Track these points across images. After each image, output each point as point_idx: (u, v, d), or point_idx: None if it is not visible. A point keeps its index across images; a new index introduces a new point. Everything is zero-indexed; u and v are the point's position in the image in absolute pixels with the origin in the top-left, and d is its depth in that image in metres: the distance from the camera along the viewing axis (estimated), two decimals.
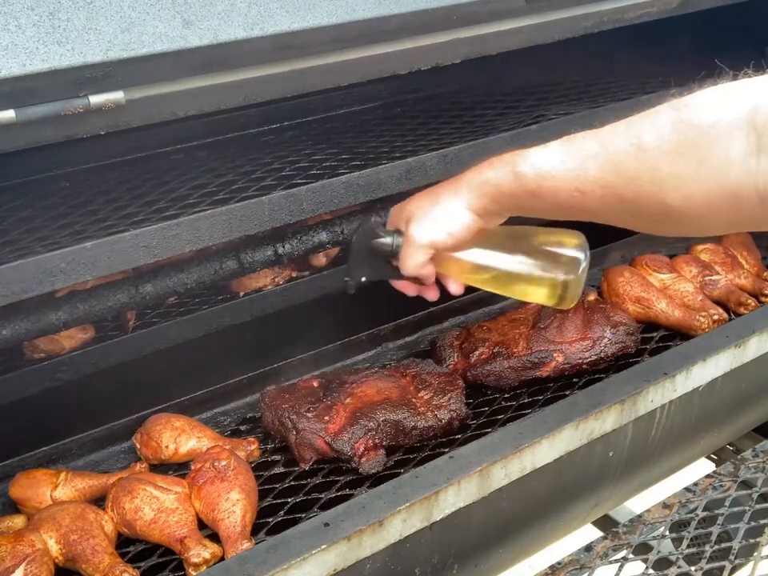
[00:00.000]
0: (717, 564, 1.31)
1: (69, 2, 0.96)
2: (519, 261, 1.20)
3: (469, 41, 1.32)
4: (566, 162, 1.03)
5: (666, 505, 1.42)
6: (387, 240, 1.23)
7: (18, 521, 1.28)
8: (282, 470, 1.40)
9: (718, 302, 1.71)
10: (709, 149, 0.89)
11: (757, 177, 0.87)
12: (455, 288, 1.27)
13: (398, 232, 1.22)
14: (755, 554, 1.34)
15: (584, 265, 1.18)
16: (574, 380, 1.55)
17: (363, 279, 1.27)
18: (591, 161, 1.00)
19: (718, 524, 1.38)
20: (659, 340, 1.65)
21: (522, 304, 1.69)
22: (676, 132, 0.93)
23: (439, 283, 1.29)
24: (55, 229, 1.25)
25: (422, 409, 1.41)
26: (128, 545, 1.26)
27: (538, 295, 1.22)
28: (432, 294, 1.30)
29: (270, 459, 1.42)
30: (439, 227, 1.16)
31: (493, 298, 1.80)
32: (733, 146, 0.88)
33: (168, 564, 1.23)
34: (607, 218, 1.06)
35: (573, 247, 1.19)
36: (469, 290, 1.78)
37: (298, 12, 1.10)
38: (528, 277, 1.20)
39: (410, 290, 1.29)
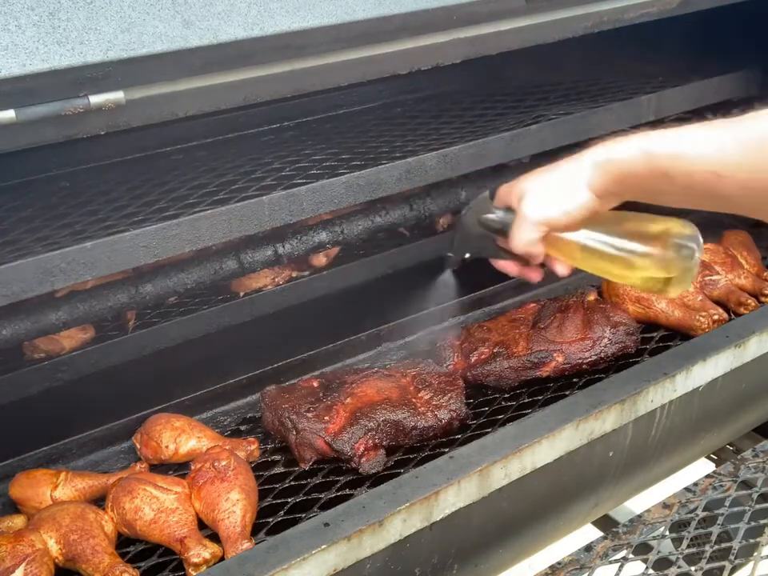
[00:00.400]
0: (717, 564, 1.31)
1: (69, 2, 0.96)
2: (634, 246, 1.17)
3: (469, 41, 1.33)
4: (704, 143, 0.99)
5: (665, 505, 1.42)
6: (498, 216, 1.21)
7: (18, 521, 1.28)
8: (281, 469, 1.40)
9: (718, 302, 1.71)
10: None
11: None
12: (562, 270, 1.24)
13: (508, 209, 1.20)
14: (755, 554, 1.34)
15: (698, 255, 1.16)
16: (574, 380, 1.55)
17: (467, 256, 1.27)
18: (733, 143, 0.97)
19: (718, 524, 1.38)
20: (659, 340, 1.65)
21: (521, 304, 1.70)
22: None
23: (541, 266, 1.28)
24: (55, 229, 1.25)
25: (422, 409, 1.41)
26: (128, 545, 1.26)
27: (649, 282, 1.19)
28: (536, 275, 1.27)
29: (269, 459, 1.42)
30: (556, 205, 1.13)
31: (492, 298, 1.80)
32: None
33: (168, 564, 1.23)
34: (743, 206, 1.03)
35: (687, 236, 1.16)
36: (468, 290, 1.80)
37: (298, 12, 1.11)
38: (642, 263, 1.17)
39: (513, 269, 1.27)
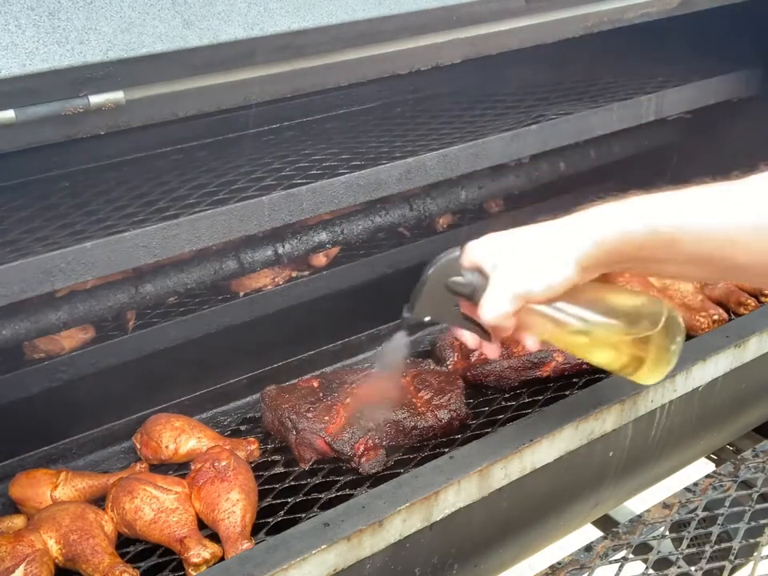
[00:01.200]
0: (717, 564, 1.31)
1: (69, 2, 0.96)
2: (615, 323, 1.07)
3: (469, 41, 1.33)
4: (715, 205, 0.91)
5: (665, 505, 1.42)
6: (468, 280, 1.08)
7: (18, 521, 1.28)
8: (281, 470, 1.40)
9: (718, 302, 1.71)
10: None
11: None
12: (532, 344, 1.12)
13: (479, 272, 1.08)
14: (755, 554, 1.34)
15: (680, 339, 1.07)
16: (574, 380, 1.55)
17: (427, 319, 1.13)
18: (750, 207, 0.88)
19: (718, 524, 1.38)
20: None
21: None
22: None
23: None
24: (55, 229, 1.25)
25: (422, 409, 1.41)
26: (128, 545, 1.26)
27: (628, 363, 1.09)
28: (496, 351, 1.16)
29: (269, 459, 1.42)
30: (538, 277, 1.01)
31: None
32: None
33: (168, 564, 1.23)
34: (757, 276, 0.94)
35: (671, 316, 1.06)
36: None
37: (298, 12, 1.10)
38: (621, 343, 1.07)
39: (472, 340, 1.14)
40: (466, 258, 1.09)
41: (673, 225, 0.92)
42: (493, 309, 1.04)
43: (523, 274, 1.03)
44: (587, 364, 1.54)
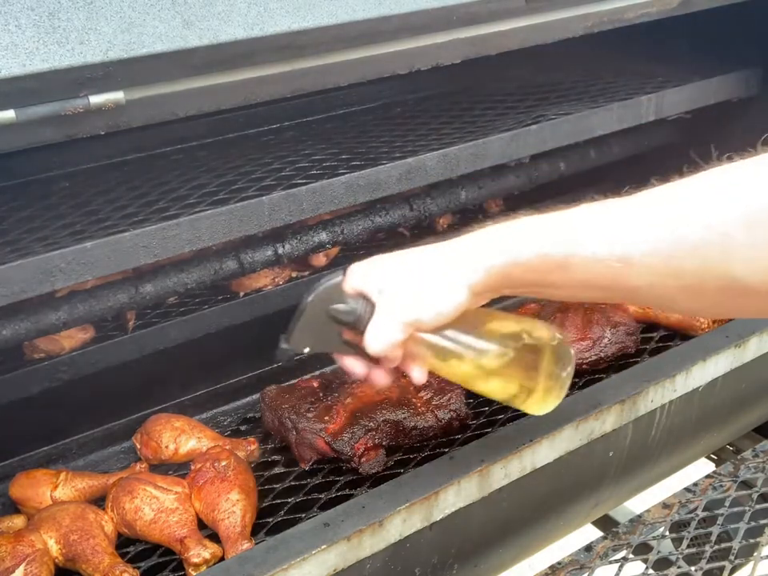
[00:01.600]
0: (717, 564, 1.31)
1: (69, 2, 0.96)
2: (500, 351, 1.02)
3: (469, 41, 1.32)
4: (607, 226, 0.86)
5: (665, 505, 1.42)
6: (351, 307, 1.01)
7: (18, 521, 1.28)
8: (282, 470, 1.40)
9: None
10: None
11: None
12: (418, 375, 1.05)
13: (364, 299, 1.01)
14: (755, 554, 1.34)
15: (570, 368, 1.03)
16: (574, 380, 1.54)
17: (307, 350, 1.05)
18: (643, 226, 0.83)
19: (718, 524, 1.38)
20: (659, 340, 1.65)
21: (522, 304, 1.69)
22: (749, 195, 0.78)
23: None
24: (55, 229, 1.25)
25: (422, 409, 1.40)
26: (128, 545, 1.26)
27: (517, 392, 1.04)
28: (386, 379, 1.07)
29: (269, 459, 1.42)
30: (428, 304, 0.95)
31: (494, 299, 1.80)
32: None
33: (168, 564, 1.23)
34: (653, 297, 0.89)
35: (562, 344, 1.03)
36: None
37: (298, 12, 1.10)
38: (510, 371, 1.02)
39: (360, 370, 1.06)
40: (349, 283, 1.02)
41: (564, 249, 0.88)
42: (379, 338, 0.98)
43: (411, 301, 0.96)
44: (587, 364, 1.54)
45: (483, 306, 1.02)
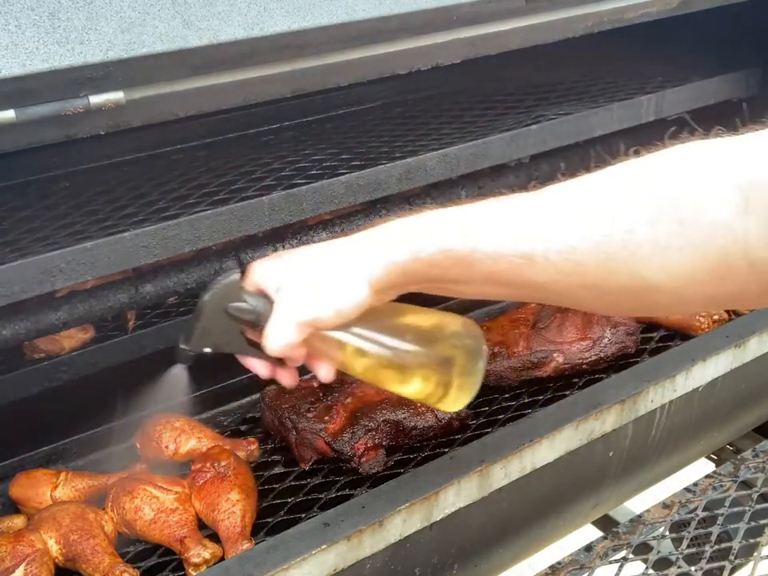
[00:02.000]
0: (717, 564, 1.31)
1: (69, 2, 0.96)
2: (410, 347, 0.98)
3: (469, 41, 1.32)
4: (511, 222, 0.84)
5: (665, 505, 1.42)
6: (250, 305, 0.96)
7: (18, 521, 1.28)
8: (282, 470, 1.40)
9: None
10: (691, 211, 0.75)
11: (746, 242, 0.74)
12: (324, 373, 1.02)
13: (264, 296, 0.97)
14: (755, 554, 1.34)
15: (482, 363, 0.99)
16: (574, 380, 1.54)
17: (207, 350, 1.01)
18: (545, 221, 0.82)
19: (718, 524, 1.38)
20: (659, 340, 1.65)
21: (522, 304, 1.69)
22: (653, 191, 0.78)
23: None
24: (55, 229, 1.25)
25: (422, 409, 1.40)
26: (128, 545, 1.26)
27: (427, 389, 1.00)
28: (290, 379, 1.04)
29: (269, 459, 1.42)
30: (326, 302, 0.91)
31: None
32: (717, 207, 0.74)
33: (168, 564, 1.23)
34: (554, 294, 0.87)
35: (474, 338, 1.00)
36: None
37: (298, 12, 1.10)
38: (419, 367, 0.98)
39: (264, 370, 1.02)
40: (249, 280, 0.98)
41: (467, 244, 0.85)
42: (277, 338, 0.94)
43: (310, 298, 0.92)
44: (587, 364, 1.54)
45: (395, 300, 0.98)
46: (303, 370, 1.58)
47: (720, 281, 0.77)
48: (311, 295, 0.92)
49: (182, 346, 1.01)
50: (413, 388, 1.00)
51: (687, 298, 0.80)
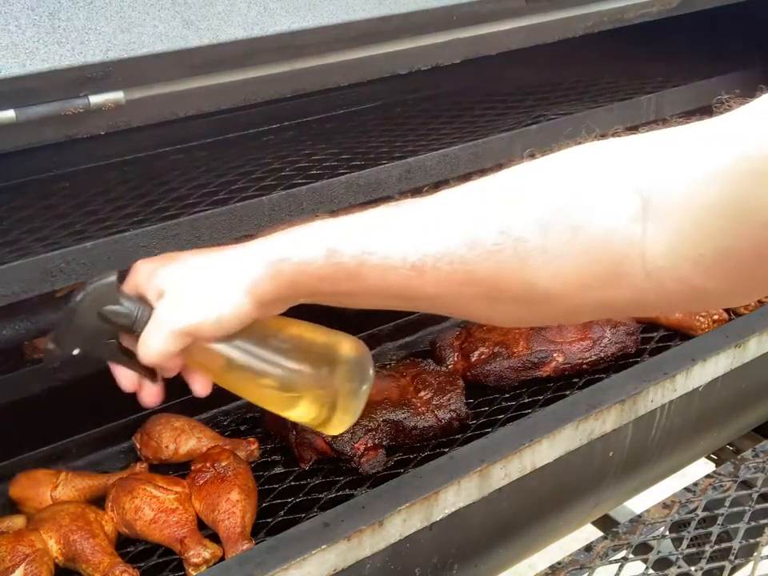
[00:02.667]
0: (717, 564, 1.31)
1: (69, 2, 0.96)
2: (291, 364, 0.93)
3: (469, 41, 1.32)
4: (400, 232, 0.80)
5: (665, 505, 1.42)
6: (126, 309, 0.91)
7: (18, 521, 1.28)
8: (281, 470, 1.40)
9: None
10: (584, 215, 0.73)
11: (643, 247, 0.71)
12: (200, 387, 0.96)
13: (142, 301, 0.91)
14: (755, 554, 1.34)
15: (366, 386, 0.95)
16: (574, 380, 1.55)
17: (76, 352, 0.94)
18: (434, 230, 0.78)
19: (718, 524, 1.38)
20: (659, 340, 1.65)
21: None
22: (545, 196, 0.75)
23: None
24: (55, 229, 1.25)
25: (422, 409, 1.41)
26: (128, 545, 1.26)
27: (310, 411, 0.95)
28: (155, 396, 0.96)
29: (270, 459, 1.42)
30: (206, 311, 0.86)
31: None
32: (613, 212, 0.72)
33: (168, 564, 1.23)
34: (450, 305, 0.85)
35: (358, 358, 0.95)
36: None
37: (298, 12, 1.10)
38: (299, 385, 0.94)
39: (128, 381, 0.95)
40: (129, 281, 0.93)
41: (356, 254, 0.81)
42: (152, 346, 0.88)
43: (190, 306, 0.87)
44: (587, 364, 1.54)
45: (285, 314, 0.94)
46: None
47: (616, 288, 0.75)
48: (191, 303, 0.87)
49: (49, 346, 0.94)
50: (297, 411, 0.96)
51: (579, 305, 0.78)
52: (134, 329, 0.91)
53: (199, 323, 0.87)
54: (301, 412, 0.96)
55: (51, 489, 1.32)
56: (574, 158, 0.78)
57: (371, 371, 0.96)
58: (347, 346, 0.96)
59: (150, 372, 0.94)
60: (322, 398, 0.94)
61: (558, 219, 0.74)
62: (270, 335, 0.93)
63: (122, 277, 0.94)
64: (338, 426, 0.97)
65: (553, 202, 0.75)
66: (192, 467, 1.32)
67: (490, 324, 1.46)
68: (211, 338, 0.89)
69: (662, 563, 1.31)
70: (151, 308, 0.90)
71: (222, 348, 0.91)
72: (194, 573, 1.17)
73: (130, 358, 0.94)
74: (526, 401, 1.51)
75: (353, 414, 0.96)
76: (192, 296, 0.87)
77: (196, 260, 0.91)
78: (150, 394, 0.96)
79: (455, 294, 0.80)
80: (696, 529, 1.37)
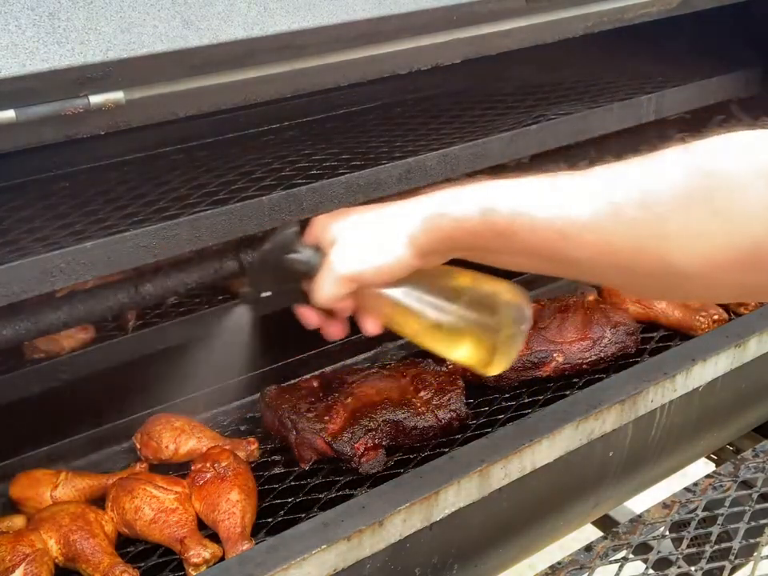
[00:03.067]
0: (717, 564, 1.31)
1: (69, 1, 0.96)
2: (459, 310, 1.00)
3: (469, 41, 1.32)
4: (550, 198, 0.86)
5: (665, 505, 1.42)
6: (305, 257, 1.02)
7: (18, 521, 1.28)
8: (282, 470, 1.40)
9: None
10: (726, 200, 0.77)
11: None
12: (371, 327, 1.06)
13: (318, 250, 1.02)
14: (755, 554, 1.34)
15: (525, 326, 1.02)
16: (574, 380, 1.55)
17: (266, 294, 1.08)
18: (583, 200, 0.84)
19: (718, 524, 1.38)
20: (659, 340, 1.65)
21: None
22: (689, 179, 0.79)
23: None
24: (55, 229, 1.25)
25: (422, 409, 1.41)
26: (128, 545, 1.26)
27: (472, 353, 1.02)
28: (338, 331, 1.08)
29: (270, 459, 1.42)
30: (370, 259, 0.96)
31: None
32: (753, 198, 0.75)
33: (168, 564, 1.23)
34: (589, 271, 0.91)
35: (519, 303, 1.02)
36: None
37: (298, 12, 1.10)
38: (466, 330, 1.01)
39: (313, 320, 1.07)
40: (308, 233, 1.04)
41: (508, 215, 0.88)
42: (323, 290, 0.99)
43: (354, 255, 0.97)
44: (587, 364, 1.54)
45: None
46: (306, 370, 1.58)
47: (751, 271, 0.78)
48: (357, 252, 0.97)
49: (245, 290, 1.10)
50: (460, 352, 1.03)
51: (716, 286, 0.82)
52: (310, 274, 1.01)
53: (363, 270, 0.97)
54: (464, 353, 1.03)
55: (51, 489, 1.32)
56: (719, 144, 0.80)
57: (528, 312, 1.03)
58: (508, 291, 1.02)
59: (329, 311, 1.05)
60: (486, 341, 1.01)
61: (700, 202, 0.77)
62: (435, 282, 1.01)
63: (303, 228, 1.05)
64: (498, 366, 1.03)
65: (696, 185, 0.78)
66: (192, 467, 1.32)
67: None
68: (374, 284, 0.99)
69: (662, 563, 1.31)
70: (325, 256, 1.00)
71: (389, 293, 1.00)
72: (193, 573, 1.17)
73: (309, 301, 1.04)
74: (526, 401, 1.51)
75: (512, 354, 1.03)
76: (358, 246, 0.98)
77: (365, 214, 1.00)
78: (333, 331, 1.08)
79: (598, 262, 0.85)
80: (696, 529, 1.37)
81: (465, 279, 1.03)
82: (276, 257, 1.05)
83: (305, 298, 1.05)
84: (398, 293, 1.01)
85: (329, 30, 1.14)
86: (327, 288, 0.99)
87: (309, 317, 1.07)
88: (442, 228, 0.93)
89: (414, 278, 0.99)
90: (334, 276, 0.98)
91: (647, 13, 1.52)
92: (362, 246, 0.97)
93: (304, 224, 1.06)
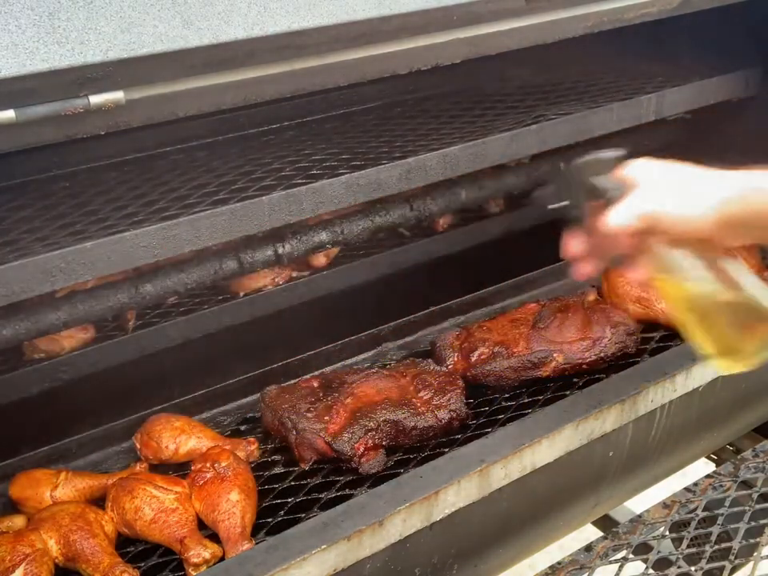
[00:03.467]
0: (717, 564, 1.31)
1: (69, 1, 0.96)
2: (726, 299, 1.01)
3: (469, 41, 1.32)
4: None
5: (665, 505, 1.42)
6: (610, 185, 1.05)
7: (18, 521, 1.28)
8: (281, 470, 1.40)
9: None
10: None
11: None
12: (639, 275, 1.08)
13: (623, 185, 1.04)
14: (755, 554, 1.34)
15: None
16: (574, 380, 1.55)
17: (559, 205, 1.11)
18: None
19: (718, 524, 1.38)
20: (659, 340, 1.65)
21: (522, 304, 1.69)
22: None
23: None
24: (55, 229, 1.25)
25: (422, 409, 1.40)
26: (128, 545, 1.26)
27: (716, 344, 1.03)
28: (586, 272, 1.10)
29: (270, 459, 1.42)
30: (675, 206, 1.00)
31: (493, 298, 1.80)
32: None
33: (168, 564, 1.23)
34: None
35: None
36: (468, 289, 1.80)
37: (298, 12, 1.10)
38: (725, 320, 1.01)
39: (575, 249, 1.09)
40: (620, 170, 1.07)
41: None
42: (618, 215, 1.02)
43: (659, 197, 1.01)
44: (587, 364, 1.54)
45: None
46: (306, 371, 1.58)
47: None
48: (662, 196, 1.00)
49: (537, 194, 1.17)
50: (702, 332, 1.04)
51: None
52: (606, 200, 1.04)
53: (663, 213, 0.99)
54: (706, 337, 1.04)
55: (51, 489, 1.32)
56: None
57: None
58: None
59: (598, 250, 1.07)
60: (734, 335, 1.02)
61: None
62: (718, 260, 1.01)
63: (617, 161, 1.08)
64: (732, 366, 1.05)
65: None
66: (192, 467, 1.32)
67: None
68: (666, 231, 1.00)
69: (662, 563, 1.31)
70: (626, 191, 1.02)
71: (676, 254, 1.02)
72: (193, 573, 1.17)
73: (587, 226, 1.07)
74: (526, 401, 1.51)
75: (751, 362, 1.03)
76: (665, 190, 1.01)
77: (677, 167, 1.04)
78: (583, 269, 1.10)
79: None
80: (696, 529, 1.37)
81: (744, 274, 1.03)
82: (585, 173, 1.08)
83: (582, 221, 1.08)
84: (683, 254, 1.01)
85: (329, 30, 1.14)
86: (623, 214, 1.01)
87: (573, 245, 1.09)
88: (752, 201, 0.96)
89: (705, 250, 1.00)
90: (635, 206, 1.01)
91: (647, 13, 1.52)
92: (673, 192, 1.00)
93: (619, 159, 1.09)
